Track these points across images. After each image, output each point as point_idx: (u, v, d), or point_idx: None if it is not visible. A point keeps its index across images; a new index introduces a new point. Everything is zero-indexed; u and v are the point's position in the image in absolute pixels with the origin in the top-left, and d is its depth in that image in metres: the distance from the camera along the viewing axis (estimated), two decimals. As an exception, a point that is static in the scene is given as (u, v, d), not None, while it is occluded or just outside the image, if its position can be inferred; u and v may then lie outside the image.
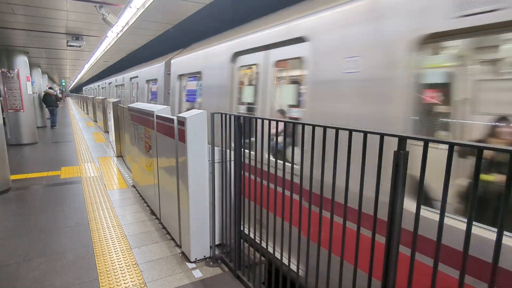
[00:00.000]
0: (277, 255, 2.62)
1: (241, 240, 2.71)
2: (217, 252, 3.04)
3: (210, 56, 4.46)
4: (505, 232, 1.06)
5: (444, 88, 2.04)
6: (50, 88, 14.34)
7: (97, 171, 6.11)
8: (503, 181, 1.02)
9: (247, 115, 2.44)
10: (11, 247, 3.16)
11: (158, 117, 3.47)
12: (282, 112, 3.31)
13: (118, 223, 3.74)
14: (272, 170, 2.74)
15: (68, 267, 2.83)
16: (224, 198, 2.82)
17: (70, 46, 7.17)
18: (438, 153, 1.49)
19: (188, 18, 5.40)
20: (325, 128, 1.70)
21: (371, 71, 2.02)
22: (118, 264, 2.87)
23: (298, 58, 2.81)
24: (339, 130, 1.61)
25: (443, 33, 1.68)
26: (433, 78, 2.03)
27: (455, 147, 1.15)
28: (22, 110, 8.86)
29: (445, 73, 2.04)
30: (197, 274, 2.76)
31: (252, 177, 2.46)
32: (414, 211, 1.27)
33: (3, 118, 5.60)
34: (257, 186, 2.40)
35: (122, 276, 2.69)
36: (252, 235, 2.77)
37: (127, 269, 2.81)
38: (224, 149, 2.71)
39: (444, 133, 2.07)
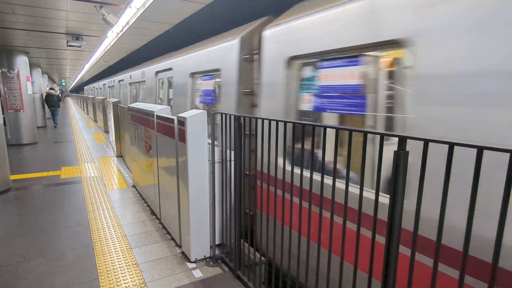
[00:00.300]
0: (277, 255, 2.62)
1: (241, 240, 2.71)
2: (217, 252, 3.04)
3: None
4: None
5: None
6: (51, 88, 14.47)
7: (97, 171, 6.11)
8: None
9: (247, 115, 2.44)
10: (11, 247, 3.16)
11: (158, 117, 3.48)
12: None
13: (118, 223, 3.74)
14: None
15: (68, 267, 2.83)
16: (224, 198, 2.83)
17: (70, 46, 7.17)
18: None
19: (188, 18, 5.40)
20: (325, 128, 1.70)
21: None
22: (118, 264, 2.88)
23: None
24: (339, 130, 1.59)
25: None
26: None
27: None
28: (22, 110, 8.87)
29: None
30: (197, 274, 2.76)
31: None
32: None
33: (3, 118, 5.60)
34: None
35: (122, 276, 2.69)
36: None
37: (127, 269, 2.81)
38: (224, 149, 2.71)
39: None
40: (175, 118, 2.99)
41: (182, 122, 2.78)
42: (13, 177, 5.33)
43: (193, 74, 4.98)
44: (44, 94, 13.19)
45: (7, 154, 5.03)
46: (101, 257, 2.98)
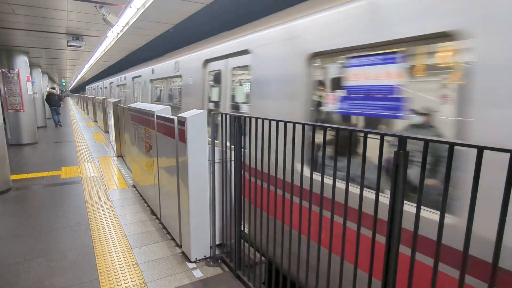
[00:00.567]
0: (277, 255, 2.62)
1: (241, 240, 2.71)
2: (217, 252, 3.04)
3: None
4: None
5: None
6: (53, 88, 14.53)
7: (97, 171, 6.11)
8: None
9: (247, 115, 2.44)
10: (12, 247, 3.17)
11: (158, 117, 3.48)
12: None
13: (118, 223, 3.74)
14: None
15: (69, 267, 2.83)
16: (224, 198, 2.83)
17: (70, 46, 7.18)
18: None
19: (188, 18, 5.39)
20: (325, 128, 1.70)
21: None
22: (119, 264, 2.88)
23: None
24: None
25: None
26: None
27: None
28: (22, 110, 8.87)
29: None
30: (198, 274, 2.76)
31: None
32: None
33: (3, 118, 5.60)
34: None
35: (123, 276, 2.70)
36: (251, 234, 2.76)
37: (128, 269, 2.81)
38: (224, 149, 2.71)
39: None
40: (175, 118, 2.99)
41: (182, 122, 2.78)
42: (13, 177, 5.33)
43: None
44: (45, 94, 13.32)
45: (7, 154, 5.03)
46: (101, 257, 2.98)
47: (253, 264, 2.72)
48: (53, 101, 13.09)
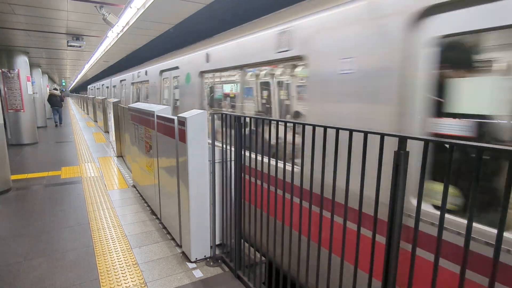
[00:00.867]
0: (278, 255, 2.62)
1: (241, 240, 2.72)
2: (217, 252, 3.05)
3: None
4: None
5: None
6: (54, 89, 14.72)
7: (98, 171, 6.11)
8: None
9: (247, 115, 2.44)
10: (12, 247, 3.17)
11: (159, 117, 3.48)
12: None
13: (118, 223, 3.74)
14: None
15: (69, 267, 2.83)
16: (225, 198, 2.83)
17: (71, 46, 7.18)
18: None
19: (188, 18, 5.40)
20: (325, 128, 1.70)
21: None
22: (119, 264, 2.88)
23: None
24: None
25: None
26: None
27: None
28: (22, 110, 8.88)
29: None
30: (198, 274, 2.77)
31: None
32: None
33: (4, 118, 5.61)
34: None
35: (123, 276, 2.70)
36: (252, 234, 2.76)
37: (128, 269, 2.81)
38: (224, 149, 2.71)
39: None
40: (175, 118, 2.99)
41: (182, 122, 2.78)
42: (13, 177, 5.33)
43: None
44: (47, 94, 13.57)
45: (8, 154, 5.03)
46: (102, 257, 2.99)
47: (253, 264, 2.72)
48: (55, 102, 13.48)
